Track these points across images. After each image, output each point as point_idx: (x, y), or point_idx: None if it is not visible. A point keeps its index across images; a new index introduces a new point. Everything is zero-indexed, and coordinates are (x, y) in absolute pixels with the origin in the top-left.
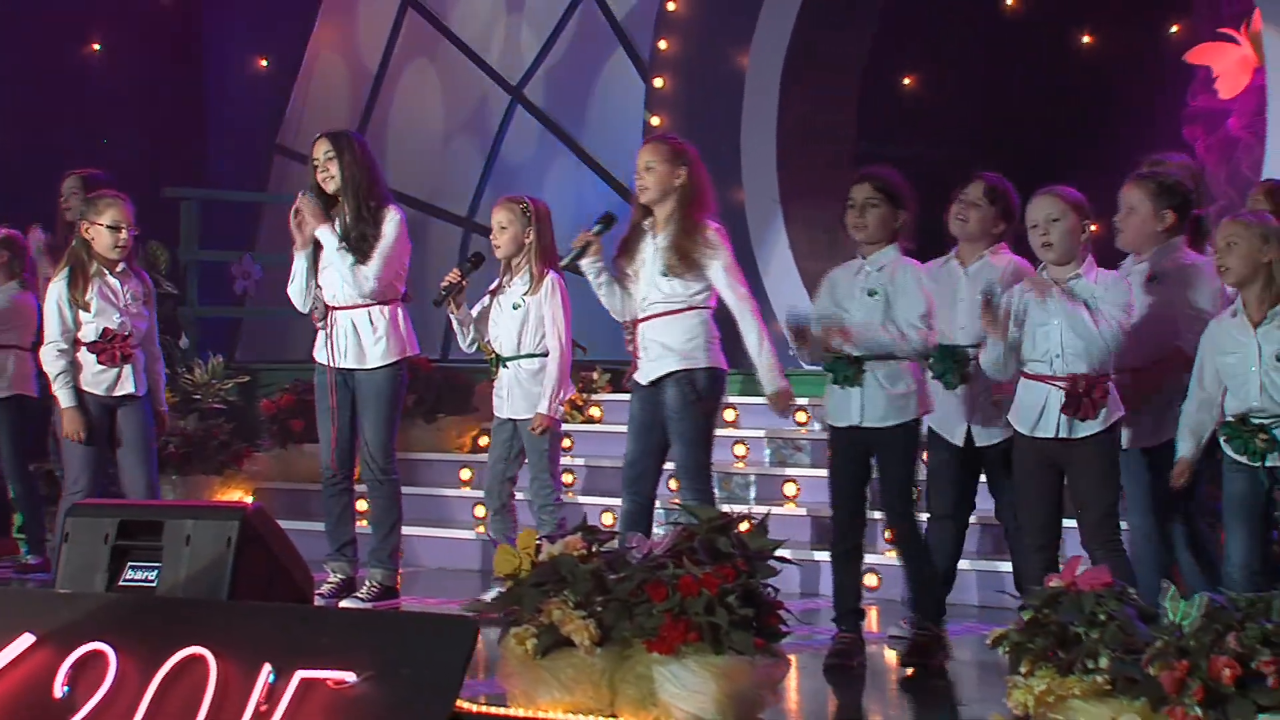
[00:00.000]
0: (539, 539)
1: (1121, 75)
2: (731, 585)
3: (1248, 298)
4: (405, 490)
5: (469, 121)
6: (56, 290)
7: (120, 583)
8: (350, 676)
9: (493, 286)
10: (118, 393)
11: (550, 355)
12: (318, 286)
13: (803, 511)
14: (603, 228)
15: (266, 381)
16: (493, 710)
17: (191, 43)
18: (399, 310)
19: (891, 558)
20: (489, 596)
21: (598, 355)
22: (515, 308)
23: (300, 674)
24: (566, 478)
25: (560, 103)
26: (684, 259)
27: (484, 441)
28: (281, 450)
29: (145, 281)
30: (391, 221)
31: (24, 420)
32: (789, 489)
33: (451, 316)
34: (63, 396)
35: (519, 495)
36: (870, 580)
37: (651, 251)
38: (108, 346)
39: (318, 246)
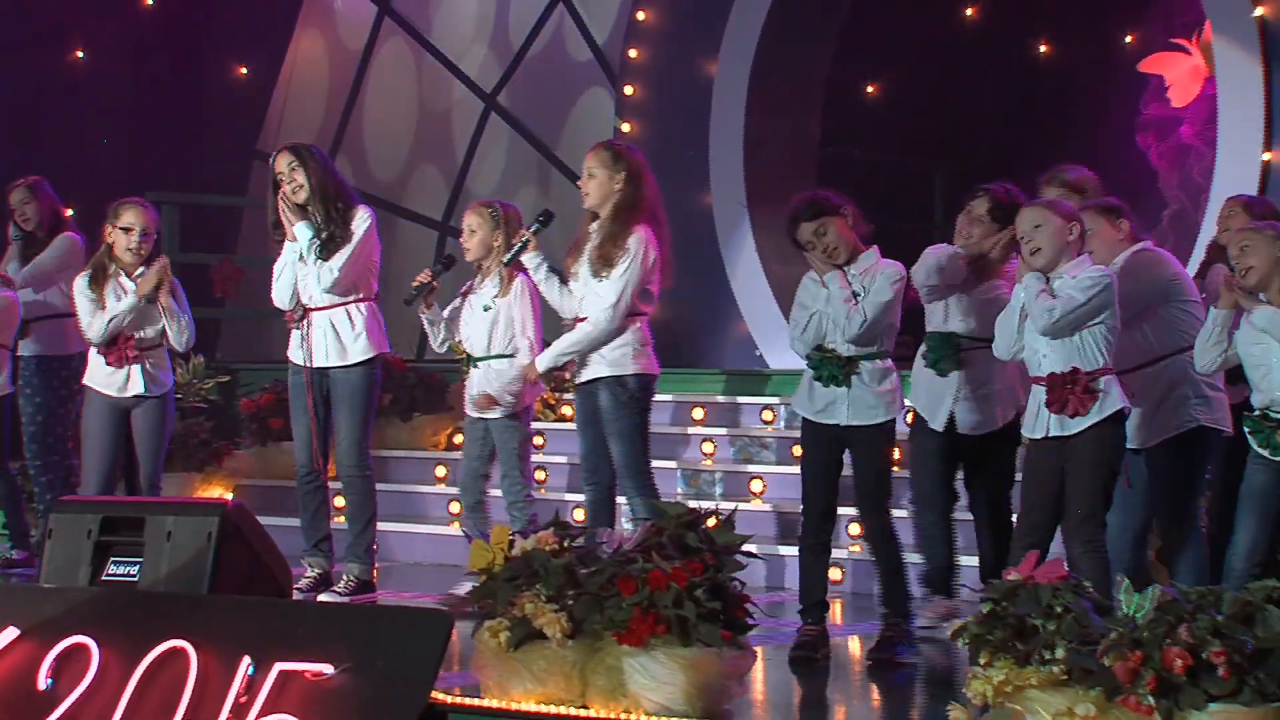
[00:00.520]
0: (512, 534)
1: (1077, 84)
2: (699, 579)
3: (1269, 296)
4: (382, 487)
5: (444, 128)
6: (80, 285)
7: (103, 577)
8: (327, 669)
9: (464, 288)
10: (129, 393)
11: (519, 355)
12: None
13: (768, 507)
14: (540, 225)
15: (246, 381)
16: (467, 701)
17: (173, 51)
18: (375, 308)
19: (856, 552)
20: (463, 590)
21: None
22: (486, 309)
23: (279, 666)
24: (539, 474)
25: (533, 110)
26: (607, 264)
27: (458, 440)
28: (261, 448)
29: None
30: (361, 221)
31: (4, 415)
32: (755, 485)
33: (423, 316)
34: (126, 303)
35: (492, 492)
36: (834, 574)
37: (588, 254)
38: (114, 348)
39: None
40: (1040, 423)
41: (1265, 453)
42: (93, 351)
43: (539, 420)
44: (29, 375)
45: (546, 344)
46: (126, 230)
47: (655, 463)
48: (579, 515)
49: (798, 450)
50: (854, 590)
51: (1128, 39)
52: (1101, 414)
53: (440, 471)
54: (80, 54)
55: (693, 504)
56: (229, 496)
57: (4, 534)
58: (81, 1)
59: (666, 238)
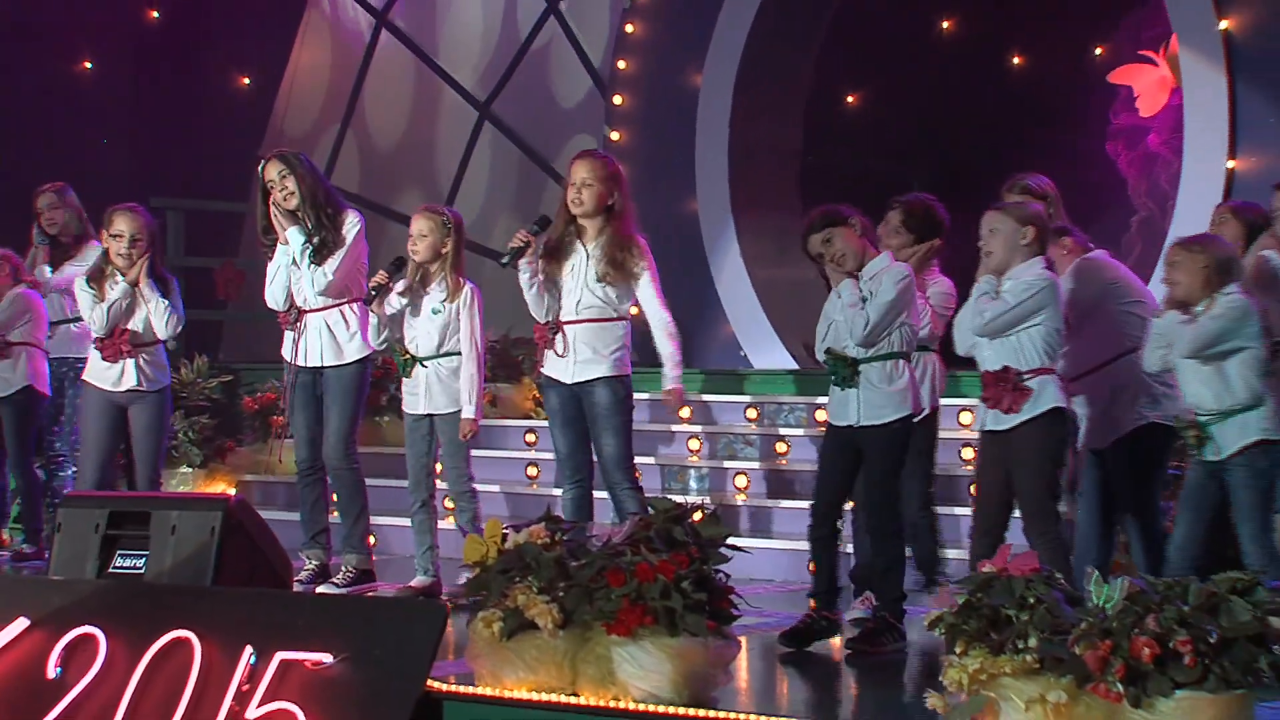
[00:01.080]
0: (459, 526)
1: (1049, 94)
2: (685, 571)
3: (1198, 309)
4: (379, 483)
5: (440, 135)
6: (80, 284)
7: (110, 570)
8: (327, 657)
9: (401, 289)
10: (123, 388)
11: (464, 359)
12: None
13: (752, 503)
14: (539, 229)
15: (248, 380)
16: (461, 689)
17: (178, 62)
18: (366, 308)
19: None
20: (416, 583)
21: None
22: (435, 312)
23: (280, 655)
24: (531, 470)
25: (525, 118)
26: (618, 268)
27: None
28: (262, 445)
29: (166, 279)
30: (351, 225)
31: (34, 414)
32: (740, 481)
33: (373, 314)
34: (119, 289)
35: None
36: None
37: (583, 259)
38: (109, 343)
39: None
40: (984, 417)
41: (1195, 453)
42: (90, 347)
43: (531, 418)
44: (53, 376)
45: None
46: (117, 237)
47: (643, 459)
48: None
49: (781, 447)
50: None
51: (1098, 51)
52: (1034, 411)
53: (436, 467)
54: (88, 64)
55: (679, 499)
56: (231, 492)
57: (18, 528)
58: (89, 13)
59: None
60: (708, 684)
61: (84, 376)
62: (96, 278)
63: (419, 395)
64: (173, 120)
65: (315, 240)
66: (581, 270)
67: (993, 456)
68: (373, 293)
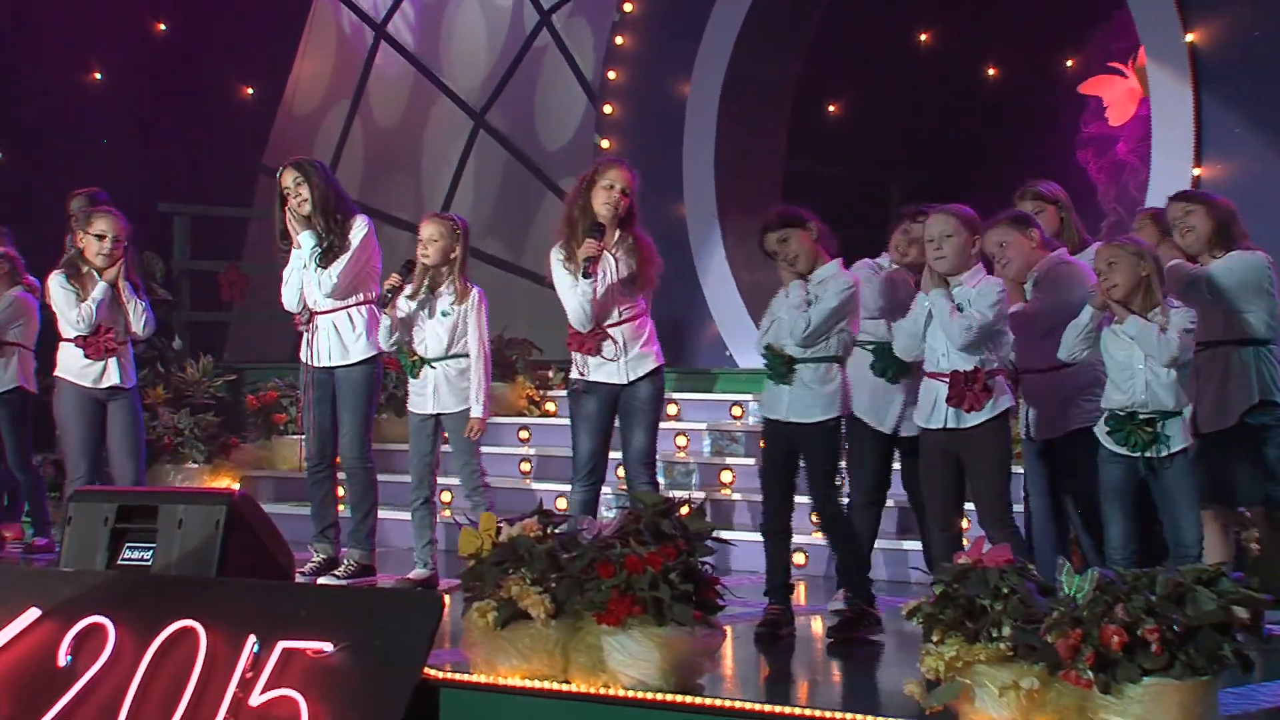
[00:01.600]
0: (499, 521)
1: (1022, 103)
2: (673, 563)
3: (1133, 306)
4: (379, 477)
5: (436, 143)
6: (57, 281)
7: (118, 561)
8: (327, 646)
9: (409, 292)
10: (104, 384)
11: (472, 360)
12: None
13: (738, 497)
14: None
15: (252, 379)
16: (457, 677)
17: (184, 73)
18: (375, 309)
19: (818, 539)
20: (415, 575)
21: (553, 356)
22: (445, 315)
23: (282, 644)
24: (524, 466)
25: (519, 127)
26: (643, 276)
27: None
28: (265, 441)
29: (140, 289)
30: (358, 230)
31: (27, 412)
32: (725, 476)
33: (385, 316)
34: (100, 288)
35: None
36: (798, 558)
37: (611, 263)
38: (94, 340)
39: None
40: (937, 414)
41: (1123, 450)
42: (66, 345)
43: (524, 416)
44: None
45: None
46: (100, 237)
47: None
48: (561, 504)
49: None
50: (816, 573)
51: (1069, 63)
52: (995, 410)
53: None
54: (98, 75)
55: (668, 493)
56: (236, 487)
57: (28, 521)
58: (99, 26)
59: None
60: (694, 671)
61: (58, 373)
62: (74, 275)
63: (426, 396)
64: (179, 129)
65: (324, 245)
66: (611, 273)
67: (944, 453)
68: (387, 295)
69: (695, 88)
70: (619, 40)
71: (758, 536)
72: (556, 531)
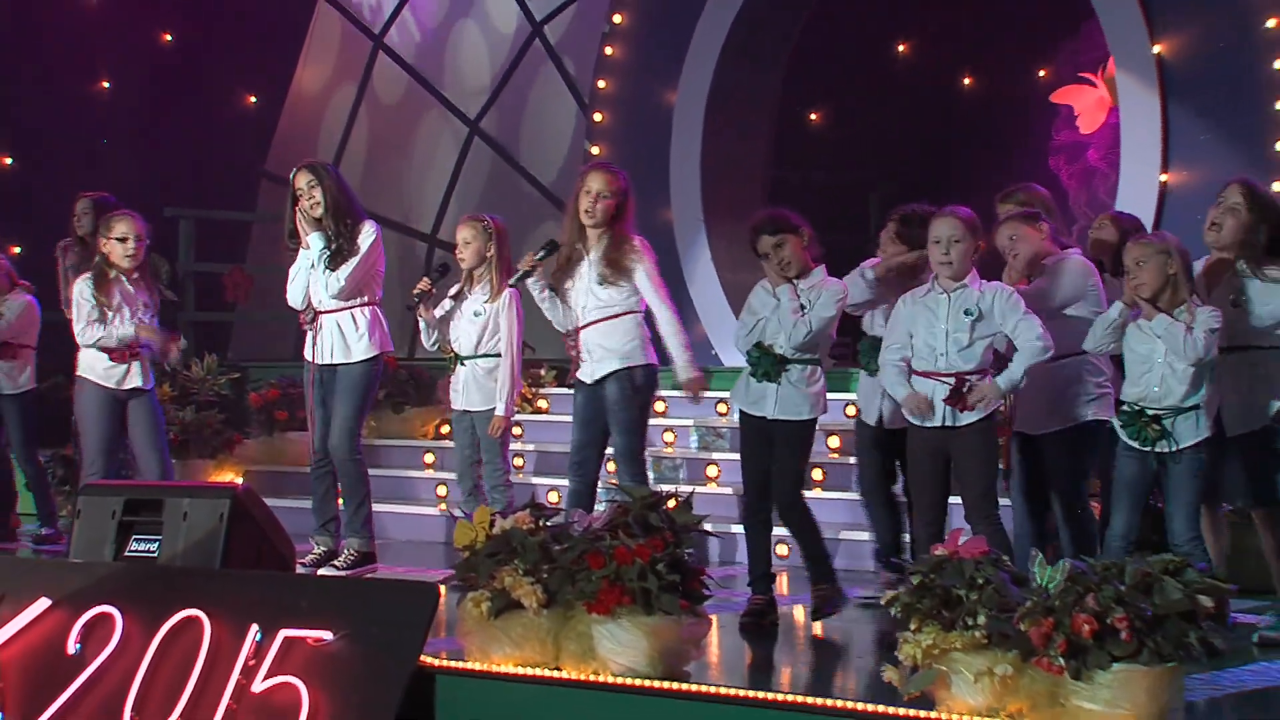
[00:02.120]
0: (493, 514)
1: (996, 112)
2: (661, 555)
3: (1160, 304)
4: (377, 472)
5: (432, 150)
6: (81, 288)
7: (126, 553)
8: (327, 635)
9: (453, 293)
10: (126, 386)
11: (502, 359)
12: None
13: (724, 490)
14: (546, 254)
15: (255, 377)
16: (452, 665)
17: (188, 81)
18: (378, 311)
19: None
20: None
21: (545, 354)
22: (476, 314)
23: (284, 633)
24: (518, 461)
25: (511, 134)
26: (614, 267)
27: (445, 430)
28: (268, 437)
29: (154, 292)
30: (366, 235)
31: (37, 410)
32: (711, 470)
33: (420, 319)
34: (121, 334)
35: None
36: (781, 550)
37: (586, 266)
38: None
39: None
40: (935, 414)
41: (1135, 444)
42: (93, 352)
43: (519, 413)
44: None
45: (526, 344)
46: (122, 240)
47: None
48: (553, 498)
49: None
50: (798, 564)
51: (1041, 73)
52: (987, 410)
53: (429, 458)
54: (106, 83)
55: (656, 487)
56: (239, 481)
57: (33, 515)
58: (107, 35)
59: None
60: (681, 659)
61: (81, 373)
62: (101, 283)
63: (459, 392)
64: (184, 135)
65: (333, 247)
66: (586, 277)
67: (935, 449)
68: (415, 299)
69: (682, 97)
70: (609, 51)
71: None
72: (548, 524)
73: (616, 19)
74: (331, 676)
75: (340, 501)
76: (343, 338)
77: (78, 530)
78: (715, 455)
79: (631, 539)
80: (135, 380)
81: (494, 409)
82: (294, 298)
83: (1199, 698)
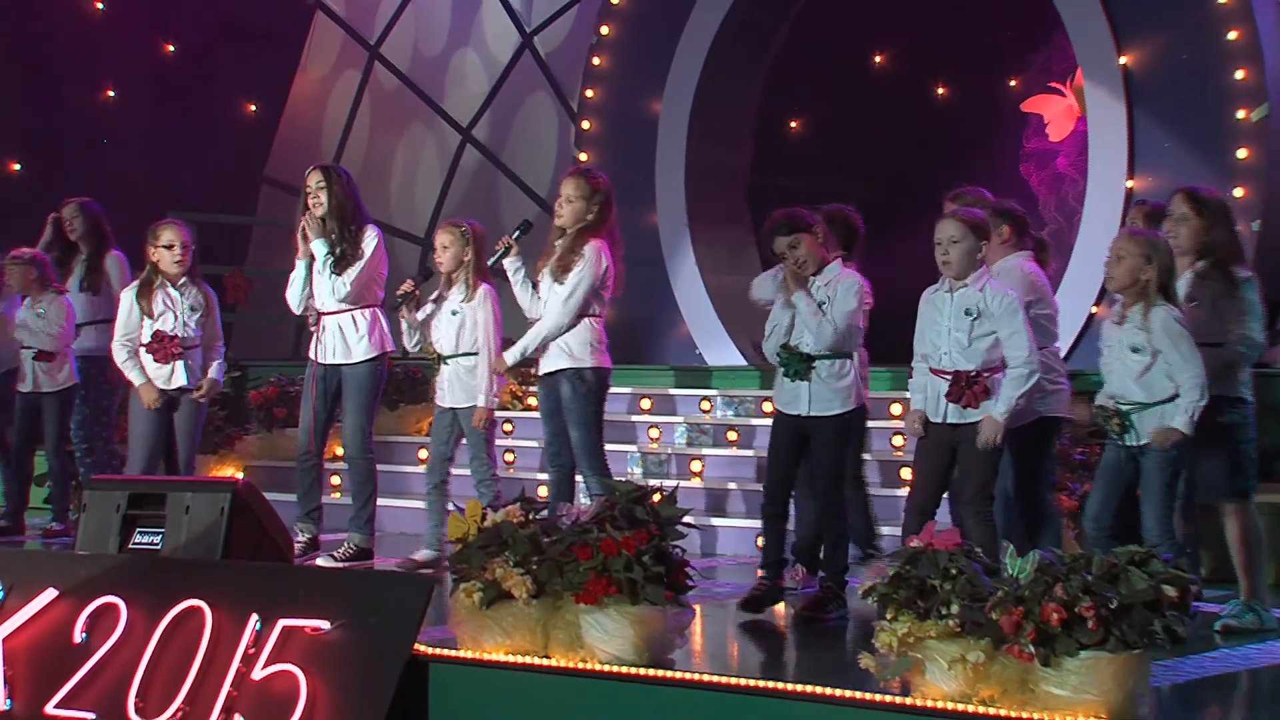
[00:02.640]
0: (484, 508)
1: (970, 121)
2: (646, 547)
3: (1124, 300)
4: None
5: (426, 157)
6: (128, 297)
7: (130, 545)
8: (324, 624)
9: (435, 296)
10: (172, 385)
11: (481, 355)
12: (310, 295)
13: (707, 485)
14: (521, 233)
15: (255, 376)
16: (445, 653)
17: (191, 90)
18: (379, 313)
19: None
20: (420, 556)
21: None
22: (454, 314)
23: (282, 622)
24: (508, 456)
25: (502, 142)
26: (565, 270)
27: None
28: (267, 433)
29: (206, 292)
30: (369, 240)
31: (73, 407)
32: (696, 465)
33: (403, 320)
34: (134, 377)
35: (457, 472)
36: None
37: (551, 264)
38: (159, 346)
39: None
40: (940, 409)
41: (1113, 437)
42: (141, 350)
43: (508, 409)
44: (81, 371)
45: (510, 343)
46: (168, 247)
47: (612, 446)
48: (543, 493)
49: (732, 435)
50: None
51: (1012, 83)
52: (997, 441)
53: (422, 454)
54: (111, 92)
55: (642, 481)
56: (239, 476)
57: (48, 507)
58: (112, 47)
59: (620, 254)
60: (666, 647)
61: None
62: (145, 292)
63: (443, 390)
64: (186, 142)
65: (337, 251)
66: (548, 275)
67: (939, 444)
68: (399, 300)
69: (667, 106)
70: (596, 61)
71: (726, 522)
72: (537, 517)
73: (604, 30)
74: (328, 664)
75: (336, 495)
76: (344, 339)
77: (84, 524)
78: (700, 451)
79: (618, 531)
80: (180, 380)
81: (476, 404)
82: (292, 301)
83: (1163, 683)
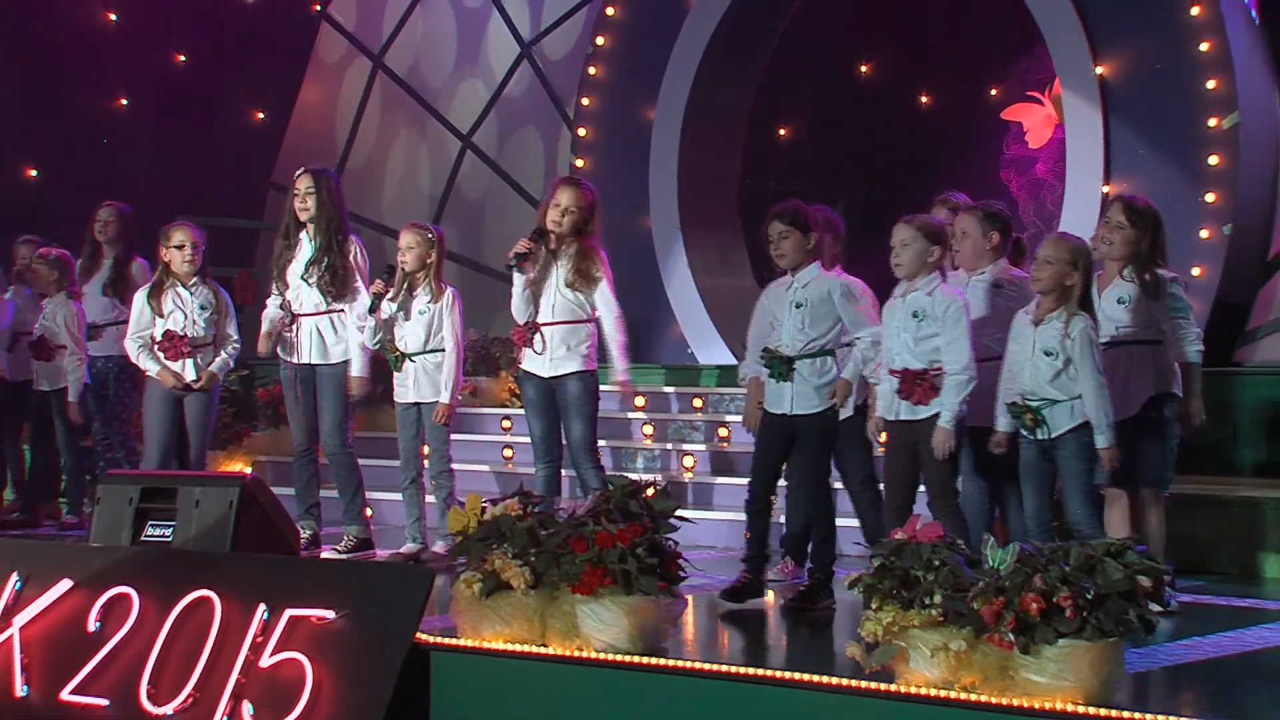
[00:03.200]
0: (445, 500)
1: (952, 128)
2: (640, 539)
3: (1044, 302)
4: (374, 463)
5: (428, 163)
6: (141, 297)
7: (142, 538)
8: (329, 614)
9: (390, 295)
10: (184, 381)
11: (446, 354)
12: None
13: (698, 479)
14: (539, 237)
15: (262, 374)
16: (445, 641)
17: (200, 98)
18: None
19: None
20: (405, 550)
21: None
22: (421, 313)
23: (289, 612)
24: (506, 452)
25: (502, 148)
26: (584, 276)
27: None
28: (274, 430)
29: (218, 292)
30: (354, 250)
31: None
32: (687, 461)
33: (370, 318)
34: (149, 367)
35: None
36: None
37: (555, 270)
38: (170, 345)
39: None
40: (895, 407)
41: (1025, 432)
42: (154, 348)
43: (507, 407)
44: (100, 371)
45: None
46: (180, 247)
47: (603, 443)
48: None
49: (723, 432)
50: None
51: (993, 92)
52: (950, 449)
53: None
54: (124, 100)
55: (635, 476)
56: (248, 471)
57: (63, 501)
58: (125, 57)
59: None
60: (659, 636)
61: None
62: (156, 293)
63: (408, 386)
64: (196, 148)
65: (324, 261)
66: (555, 279)
67: (901, 442)
68: (374, 300)
69: (660, 113)
70: (592, 70)
71: (715, 515)
72: (535, 511)
73: (600, 41)
74: (333, 652)
75: (325, 491)
76: (321, 340)
77: (97, 516)
78: (690, 447)
79: (613, 524)
80: (190, 377)
81: (440, 399)
82: (269, 315)
83: (1137, 670)
